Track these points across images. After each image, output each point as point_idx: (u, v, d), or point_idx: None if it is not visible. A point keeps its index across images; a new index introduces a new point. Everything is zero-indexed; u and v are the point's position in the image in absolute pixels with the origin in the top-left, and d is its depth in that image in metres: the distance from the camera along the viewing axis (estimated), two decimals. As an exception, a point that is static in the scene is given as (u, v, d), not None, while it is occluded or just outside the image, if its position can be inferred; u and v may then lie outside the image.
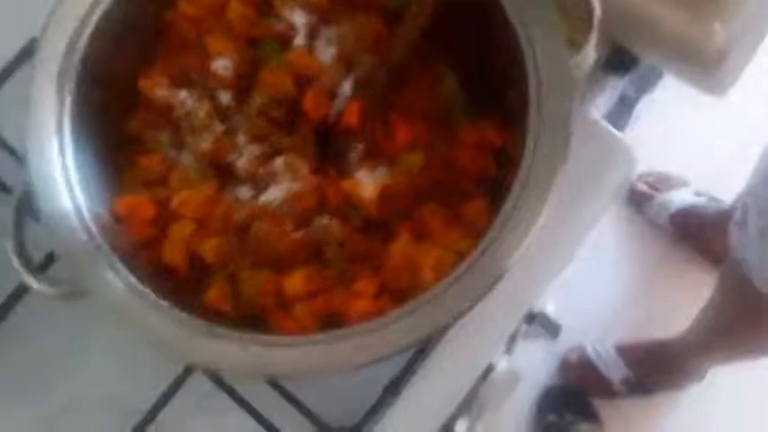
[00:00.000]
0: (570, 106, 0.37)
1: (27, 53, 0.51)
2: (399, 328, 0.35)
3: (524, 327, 0.58)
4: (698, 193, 1.11)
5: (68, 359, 0.46)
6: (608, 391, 1.00)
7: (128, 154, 0.42)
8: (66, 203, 0.36)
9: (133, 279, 0.35)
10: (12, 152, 0.46)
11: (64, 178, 0.36)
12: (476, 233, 0.40)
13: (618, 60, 0.49)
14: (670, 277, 1.14)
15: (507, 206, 0.37)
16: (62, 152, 0.37)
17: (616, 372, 1.00)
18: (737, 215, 0.67)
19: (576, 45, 0.40)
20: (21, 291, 0.43)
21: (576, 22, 0.40)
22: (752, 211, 0.64)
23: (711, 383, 0.98)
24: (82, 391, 0.45)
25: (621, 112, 0.95)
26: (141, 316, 0.35)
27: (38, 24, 0.48)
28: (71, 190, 0.36)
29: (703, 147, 1.13)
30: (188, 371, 0.41)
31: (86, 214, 0.36)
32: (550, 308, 0.61)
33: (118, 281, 0.35)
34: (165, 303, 0.35)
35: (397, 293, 0.39)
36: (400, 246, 0.40)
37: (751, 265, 0.66)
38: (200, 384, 0.43)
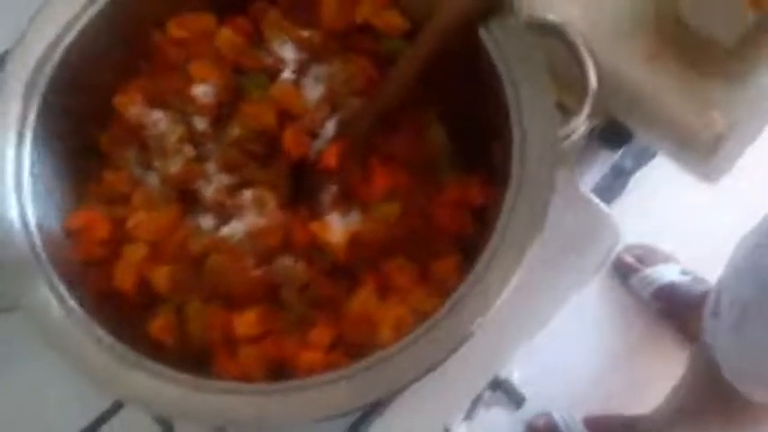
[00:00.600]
0: (552, 171, 0.35)
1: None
2: (355, 384, 0.33)
3: (488, 393, 0.55)
4: (684, 272, 1.10)
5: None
6: (572, 463, 0.97)
7: (92, 168, 0.40)
8: (10, 210, 0.34)
9: (72, 301, 0.33)
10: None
11: (14, 183, 0.34)
12: (444, 292, 0.37)
13: (613, 133, 0.47)
14: (647, 353, 1.11)
15: (479, 266, 0.35)
16: (18, 157, 0.35)
17: (582, 445, 0.97)
18: (711, 303, 0.66)
19: (568, 111, 0.39)
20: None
21: (570, 88, 0.38)
22: (724, 301, 0.62)
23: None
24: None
25: (615, 182, 0.94)
26: (75, 342, 0.32)
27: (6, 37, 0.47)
28: (20, 197, 0.34)
29: (696, 225, 1.12)
30: (117, 406, 0.38)
31: (32, 224, 0.34)
32: (516, 375, 0.58)
33: (53, 300, 0.32)
34: (103, 332, 0.33)
35: (352, 348, 0.37)
36: (362, 298, 0.37)
37: (721, 355, 0.64)
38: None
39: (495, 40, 0.37)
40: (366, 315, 0.37)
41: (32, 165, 0.35)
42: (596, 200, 0.49)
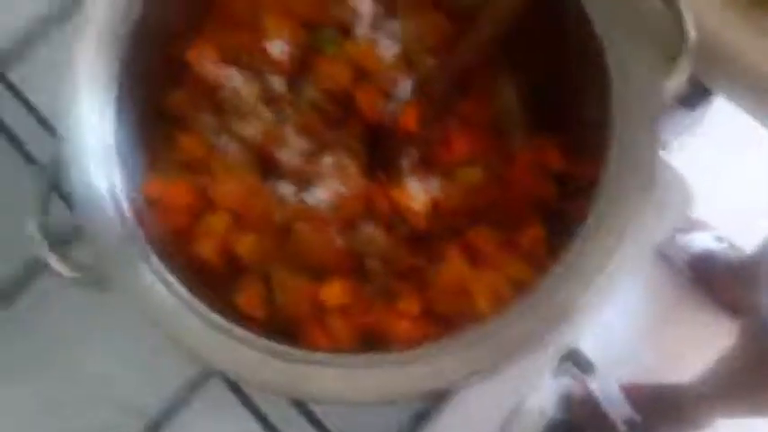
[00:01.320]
0: (657, 144, 0.33)
1: (59, 16, 0.48)
2: (451, 360, 0.31)
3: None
4: (719, 239, 1.08)
5: (75, 346, 0.42)
6: (610, 430, 0.96)
7: (166, 131, 0.38)
8: (101, 183, 0.32)
9: (168, 275, 0.31)
10: (41, 122, 0.42)
11: (102, 154, 0.32)
12: (533, 262, 0.36)
13: (690, 91, 0.45)
14: (682, 322, 1.10)
15: (576, 243, 0.33)
16: (102, 125, 0.33)
17: (621, 412, 0.97)
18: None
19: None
20: (35, 271, 0.39)
21: (667, 45, 0.36)
22: None
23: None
24: (85, 383, 0.41)
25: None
26: (172, 316, 0.31)
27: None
28: (108, 168, 0.32)
29: (733, 193, 1.10)
30: (204, 376, 0.37)
31: (122, 197, 0.32)
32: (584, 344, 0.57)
33: (149, 274, 0.31)
34: (198, 304, 0.31)
35: (443, 318, 0.35)
36: (453, 266, 0.36)
37: None
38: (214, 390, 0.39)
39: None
40: (459, 284, 0.35)
41: (115, 132, 0.33)
42: (671, 162, 0.47)
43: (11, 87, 0.47)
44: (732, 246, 1.07)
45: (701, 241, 1.09)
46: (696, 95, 0.46)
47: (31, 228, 0.32)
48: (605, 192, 0.33)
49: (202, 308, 0.31)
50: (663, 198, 0.46)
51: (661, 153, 0.47)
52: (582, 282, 0.31)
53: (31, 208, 0.32)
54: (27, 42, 0.48)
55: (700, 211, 1.11)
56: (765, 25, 0.40)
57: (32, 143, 0.45)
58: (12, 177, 0.44)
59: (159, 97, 0.38)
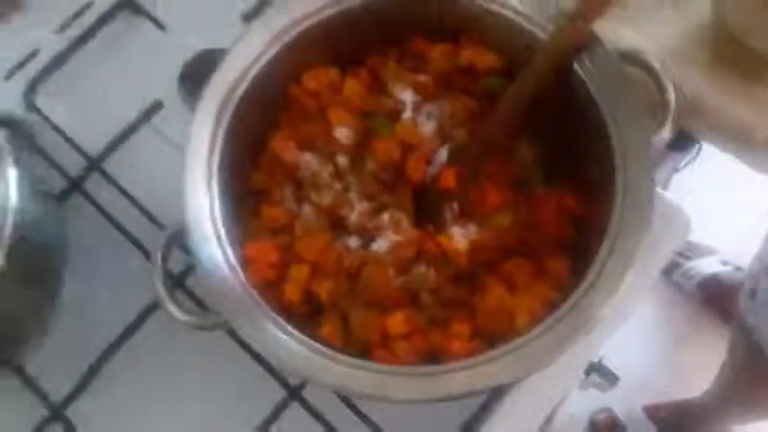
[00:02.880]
0: (652, 182, 0.41)
1: (146, 116, 0.58)
2: (496, 366, 0.39)
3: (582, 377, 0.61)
4: (724, 262, 1.14)
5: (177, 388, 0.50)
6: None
7: (254, 205, 0.47)
8: (214, 249, 0.40)
9: (273, 314, 0.39)
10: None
11: (211, 227, 0.41)
12: (561, 285, 0.43)
13: (680, 138, 0.54)
14: (695, 343, 1.15)
15: (594, 268, 0.40)
16: (211, 202, 0.42)
17: (645, 433, 1.00)
18: (747, 283, 0.70)
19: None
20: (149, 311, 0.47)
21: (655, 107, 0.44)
22: (763, 278, 0.66)
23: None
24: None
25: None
26: (282, 347, 0.39)
27: (156, 90, 0.54)
28: (218, 238, 0.41)
29: (733, 219, 1.17)
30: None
31: (231, 258, 0.41)
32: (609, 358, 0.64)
33: (258, 314, 0.39)
34: (298, 335, 0.39)
35: (490, 337, 0.43)
36: (497, 293, 0.43)
37: (762, 333, 0.68)
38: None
39: (588, 69, 0.44)
40: (502, 307, 0.43)
41: (219, 210, 0.42)
42: (668, 196, 0.55)
43: (109, 178, 0.56)
44: (737, 268, 1.13)
45: (708, 265, 1.15)
46: (688, 141, 0.54)
47: (155, 278, 0.41)
48: (613, 228, 0.41)
49: (302, 338, 0.39)
50: (664, 228, 0.54)
51: (661, 190, 0.55)
52: (599, 299, 0.39)
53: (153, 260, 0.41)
54: (121, 139, 0.57)
55: (705, 237, 1.18)
56: (746, 89, 0.49)
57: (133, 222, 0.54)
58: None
59: (246, 179, 0.47)
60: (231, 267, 0.40)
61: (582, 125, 0.45)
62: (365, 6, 0.46)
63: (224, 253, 0.41)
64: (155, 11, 0.61)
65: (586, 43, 0.43)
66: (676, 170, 0.75)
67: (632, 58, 0.43)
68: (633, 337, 1.14)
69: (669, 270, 1.17)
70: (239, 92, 0.45)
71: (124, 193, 0.55)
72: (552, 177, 0.49)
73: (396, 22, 0.48)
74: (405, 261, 0.45)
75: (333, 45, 0.47)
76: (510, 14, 0.45)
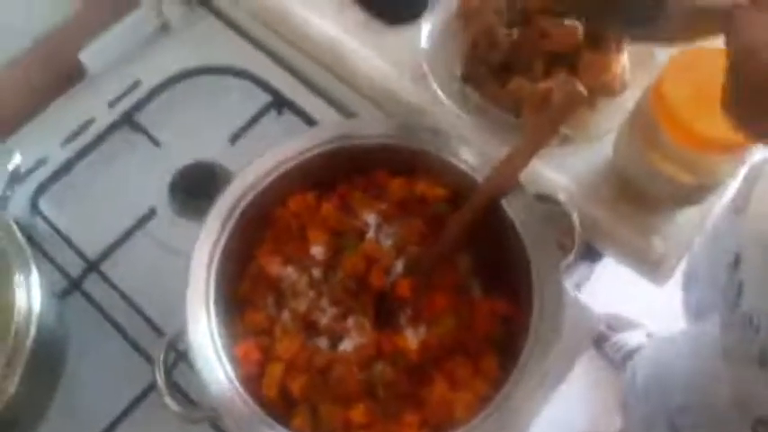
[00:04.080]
0: (562, 294, 0.52)
1: (138, 224, 0.65)
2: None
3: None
4: (649, 335, 1.26)
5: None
6: None
7: (241, 311, 0.55)
8: (209, 351, 0.48)
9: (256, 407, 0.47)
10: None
11: (207, 331, 0.49)
12: (493, 381, 0.53)
13: (589, 252, 0.65)
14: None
15: (520, 363, 0.50)
16: (207, 310, 0.50)
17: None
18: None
19: (564, 248, 0.56)
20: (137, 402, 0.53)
21: (563, 231, 0.56)
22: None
23: None
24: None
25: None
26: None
27: (150, 199, 0.62)
28: (213, 341, 0.49)
29: (657, 295, 1.29)
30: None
31: (224, 359, 0.49)
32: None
33: (242, 406, 0.47)
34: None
35: (435, 427, 0.51)
36: (440, 389, 0.52)
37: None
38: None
39: (513, 207, 0.55)
40: (445, 401, 0.52)
41: (214, 318, 0.50)
42: (579, 297, 0.66)
43: (106, 279, 0.63)
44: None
45: (634, 338, 1.27)
46: (594, 254, 0.66)
47: (157, 376, 0.48)
48: (533, 331, 0.51)
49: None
50: (577, 325, 0.64)
51: (575, 293, 0.66)
52: (524, 392, 0.48)
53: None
54: (118, 243, 0.65)
55: (631, 312, 1.31)
56: (641, 220, 0.60)
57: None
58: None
59: (235, 287, 0.55)
60: (223, 366, 0.48)
61: (508, 246, 0.55)
62: (339, 148, 0.57)
63: (217, 353, 0.49)
64: (151, 128, 0.70)
65: (512, 187, 0.54)
66: (589, 277, 0.86)
67: (545, 198, 0.55)
68: (566, 409, 1.24)
69: (599, 342, 1.28)
70: (236, 213, 0.54)
71: (120, 292, 0.62)
72: (487, 285, 0.59)
73: (362, 159, 0.58)
74: (366, 359, 0.54)
75: (312, 176, 0.57)
76: (456, 162, 0.56)
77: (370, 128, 0.58)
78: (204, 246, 0.51)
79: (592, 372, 1.27)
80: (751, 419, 0.55)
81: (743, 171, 0.60)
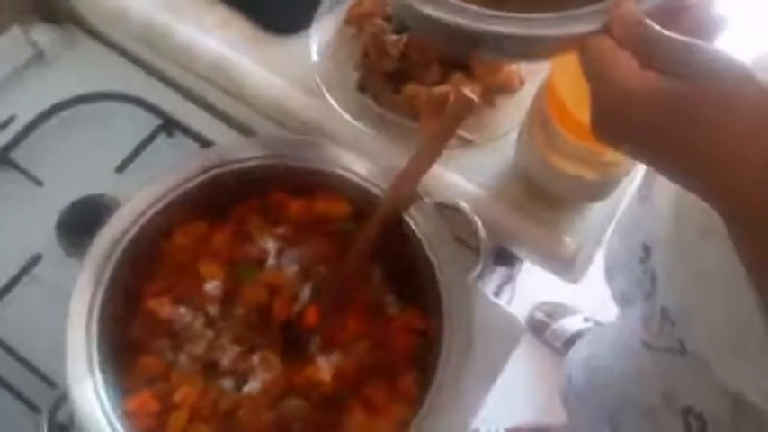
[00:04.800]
0: (471, 304, 0.49)
1: (27, 267, 0.60)
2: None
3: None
4: (586, 319, 1.27)
5: None
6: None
7: (133, 357, 0.50)
8: (95, 408, 0.44)
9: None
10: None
11: (92, 387, 0.45)
12: (410, 403, 0.50)
13: (506, 256, 0.64)
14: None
15: (437, 380, 0.48)
16: (90, 360, 0.46)
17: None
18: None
19: (471, 247, 0.54)
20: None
21: (469, 234, 0.54)
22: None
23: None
24: None
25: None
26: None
27: (35, 242, 0.57)
28: (98, 396, 0.45)
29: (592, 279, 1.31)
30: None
31: (111, 414, 0.44)
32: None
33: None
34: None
35: (354, 458, 0.49)
36: (356, 418, 0.49)
37: None
38: None
39: (415, 218, 0.52)
40: (363, 430, 0.49)
41: (100, 371, 0.46)
42: (501, 303, 0.64)
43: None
44: (598, 322, 1.26)
45: (572, 323, 1.28)
46: (511, 257, 0.65)
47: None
48: (446, 342, 0.49)
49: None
50: (499, 329, 0.63)
51: (493, 299, 0.65)
52: (441, 412, 0.46)
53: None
54: (2, 294, 0.59)
55: (567, 298, 1.32)
56: (548, 218, 0.58)
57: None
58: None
59: (125, 330, 0.51)
60: (113, 426, 0.44)
61: (415, 258, 0.53)
62: (225, 172, 0.53)
63: (105, 413, 0.44)
64: (29, 166, 0.65)
65: (414, 198, 0.52)
66: (508, 281, 0.86)
67: (447, 207, 0.53)
68: (510, 396, 1.24)
69: (539, 330, 1.29)
70: (119, 249, 0.49)
71: (6, 346, 0.56)
72: (400, 300, 0.56)
73: (258, 180, 0.55)
74: (276, 395, 0.50)
75: (202, 204, 0.53)
76: (354, 177, 0.53)
77: (256, 149, 0.54)
78: (83, 291, 0.47)
79: (535, 360, 1.27)
80: (679, 409, 0.55)
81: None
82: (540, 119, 0.53)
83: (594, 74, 0.32)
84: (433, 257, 0.51)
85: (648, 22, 0.31)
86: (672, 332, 0.53)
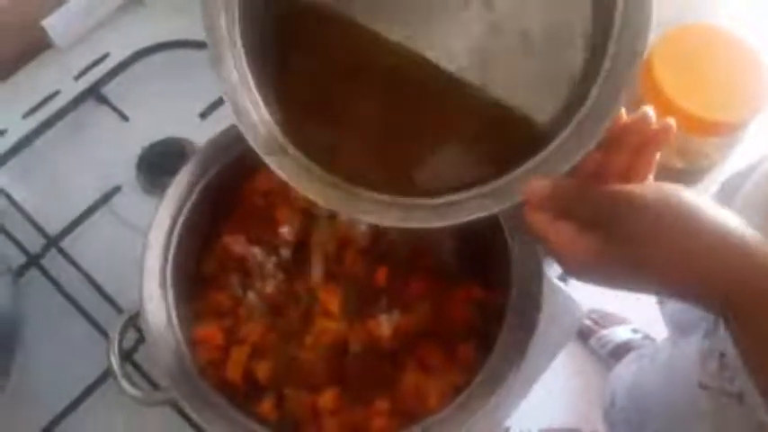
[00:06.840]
0: (541, 281, 0.49)
1: (103, 200, 0.63)
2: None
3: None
4: (635, 331, 1.25)
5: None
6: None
7: (204, 290, 0.52)
8: (166, 331, 0.46)
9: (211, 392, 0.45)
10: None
11: (165, 312, 0.47)
12: (467, 370, 0.51)
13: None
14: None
15: (496, 352, 0.48)
16: (164, 287, 0.47)
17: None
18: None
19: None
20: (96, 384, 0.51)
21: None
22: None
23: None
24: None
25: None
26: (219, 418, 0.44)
27: (115, 175, 0.60)
28: (169, 320, 0.46)
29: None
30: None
31: (181, 340, 0.46)
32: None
33: (199, 391, 0.44)
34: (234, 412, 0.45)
35: (407, 415, 0.49)
36: (411, 376, 0.50)
37: None
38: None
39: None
40: (417, 388, 0.49)
41: (173, 297, 0.48)
42: (563, 286, 0.64)
43: (66, 256, 0.60)
44: (645, 336, 1.24)
45: (620, 334, 1.26)
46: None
47: (111, 358, 0.46)
48: (510, 317, 0.49)
49: (240, 417, 0.45)
50: (559, 313, 0.62)
51: (558, 282, 0.64)
52: (500, 383, 0.46)
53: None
54: (80, 220, 0.62)
55: (617, 308, 1.29)
56: None
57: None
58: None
59: (198, 264, 0.53)
60: (180, 349, 0.46)
61: (491, 235, 0.53)
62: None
63: (174, 335, 0.46)
64: (118, 102, 0.67)
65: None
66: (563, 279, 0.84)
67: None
68: (550, 402, 1.23)
69: (585, 336, 1.27)
70: (198, 187, 0.51)
71: (80, 270, 0.59)
72: (466, 270, 0.56)
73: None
74: (336, 345, 0.51)
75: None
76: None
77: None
78: (162, 221, 0.49)
79: (577, 365, 1.26)
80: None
81: (731, 156, 0.58)
82: (631, 100, 0.53)
83: (548, 251, 0.38)
84: (506, 229, 0.51)
85: (564, 184, 0.37)
86: (731, 378, 0.51)
